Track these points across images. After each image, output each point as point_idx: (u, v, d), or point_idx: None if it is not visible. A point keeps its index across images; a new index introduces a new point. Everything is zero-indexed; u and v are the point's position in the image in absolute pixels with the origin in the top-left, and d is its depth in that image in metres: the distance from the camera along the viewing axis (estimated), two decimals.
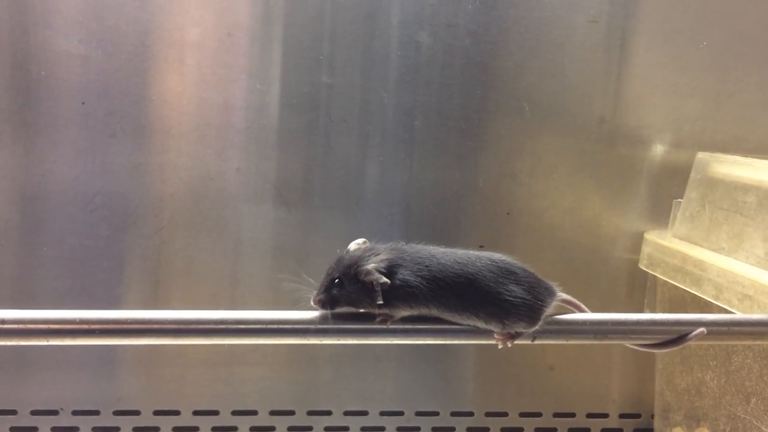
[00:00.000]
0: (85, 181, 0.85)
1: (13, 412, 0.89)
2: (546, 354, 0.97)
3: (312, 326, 0.56)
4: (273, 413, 0.94)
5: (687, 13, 0.92)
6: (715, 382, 0.82)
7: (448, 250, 0.58)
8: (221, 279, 0.90)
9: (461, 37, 0.89)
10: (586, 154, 0.93)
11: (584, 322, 0.59)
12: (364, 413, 0.95)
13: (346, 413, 0.95)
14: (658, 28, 0.92)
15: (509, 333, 0.57)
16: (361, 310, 0.57)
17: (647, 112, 0.93)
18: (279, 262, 0.90)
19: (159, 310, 0.57)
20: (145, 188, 0.87)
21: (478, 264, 0.56)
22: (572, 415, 0.98)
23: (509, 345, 0.58)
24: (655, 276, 0.91)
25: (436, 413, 0.96)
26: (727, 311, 0.75)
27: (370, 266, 0.55)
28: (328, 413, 0.95)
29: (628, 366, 0.98)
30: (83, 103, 0.84)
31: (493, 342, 0.58)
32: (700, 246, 0.85)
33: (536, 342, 0.58)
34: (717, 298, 0.77)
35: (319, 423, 0.94)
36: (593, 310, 0.61)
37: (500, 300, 0.55)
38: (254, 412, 0.93)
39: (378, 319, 0.57)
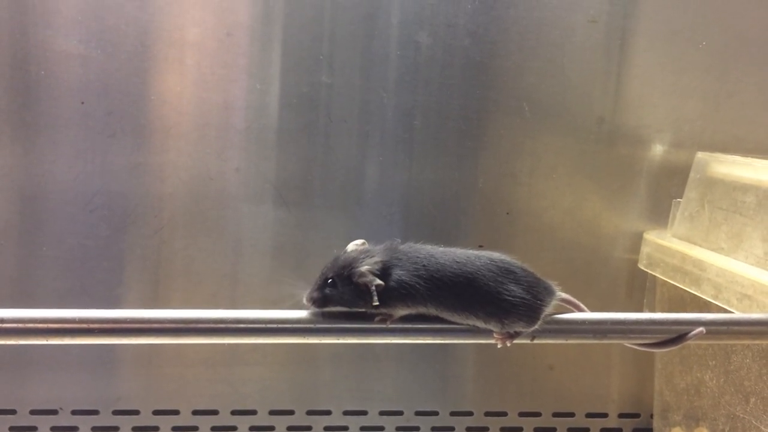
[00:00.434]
0: (85, 181, 0.85)
1: (13, 412, 0.89)
2: (545, 354, 0.97)
3: (311, 326, 0.56)
4: (272, 413, 0.94)
5: (686, 14, 0.92)
6: (715, 381, 0.82)
7: (448, 249, 0.58)
8: (221, 279, 0.90)
9: (461, 37, 0.89)
10: (585, 154, 0.93)
11: (583, 322, 0.59)
12: (364, 413, 0.95)
13: (346, 413, 0.95)
14: (657, 28, 0.92)
15: (508, 332, 0.57)
16: (361, 310, 0.58)
17: (647, 112, 0.93)
18: (279, 262, 0.90)
19: (158, 309, 0.57)
20: (144, 188, 0.87)
21: (477, 263, 0.56)
22: (572, 414, 0.98)
23: (508, 344, 0.58)
24: (654, 276, 0.91)
25: (436, 413, 0.96)
26: (726, 311, 0.75)
27: (364, 268, 0.55)
28: (328, 413, 0.95)
29: (628, 366, 0.98)
30: (83, 103, 0.84)
31: (492, 341, 0.58)
32: (700, 246, 0.85)
33: (535, 341, 0.59)
34: (716, 297, 0.77)
35: (319, 423, 0.94)
36: (593, 310, 0.61)
37: (499, 300, 0.55)
38: (254, 412, 0.93)
39: (377, 318, 0.57)
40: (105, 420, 0.90)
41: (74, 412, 0.90)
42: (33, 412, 0.89)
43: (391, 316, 0.57)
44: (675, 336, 0.59)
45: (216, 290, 0.90)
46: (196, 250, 0.89)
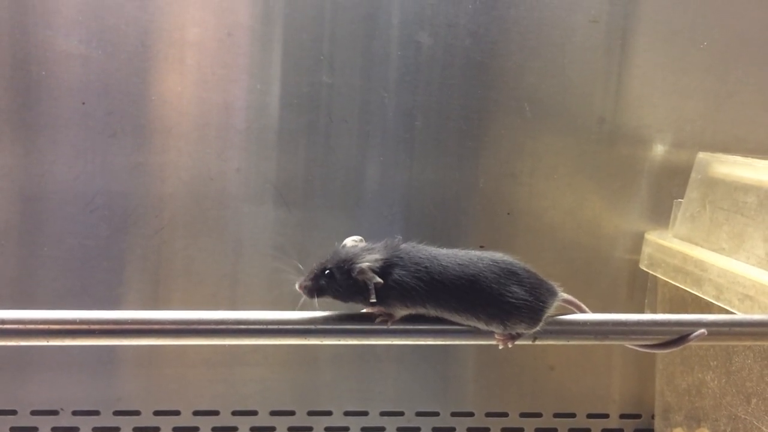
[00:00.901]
0: (85, 181, 0.85)
1: (13, 412, 0.89)
2: (546, 354, 0.97)
3: (313, 327, 0.56)
4: (273, 413, 0.93)
5: (687, 14, 0.92)
6: (716, 382, 0.82)
7: (450, 251, 0.58)
8: (221, 279, 0.90)
9: (462, 37, 0.89)
10: (586, 154, 0.93)
11: (585, 323, 0.59)
12: (365, 413, 0.95)
13: (347, 413, 0.95)
14: (658, 28, 0.92)
15: (510, 334, 0.57)
16: (363, 310, 0.57)
17: (648, 112, 0.93)
18: (279, 263, 0.90)
19: (159, 310, 0.57)
20: (145, 188, 0.87)
21: (480, 265, 0.56)
22: (573, 415, 0.98)
23: (510, 346, 0.58)
24: (655, 276, 0.90)
25: (437, 413, 0.96)
26: (727, 311, 0.75)
27: (365, 265, 0.55)
28: (329, 413, 0.95)
29: (629, 366, 0.98)
30: (83, 103, 0.84)
31: (493, 343, 0.58)
32: (701, 246, 0.85)
33: (537, 342, 0.58)
34: (717, 298, 0.77)
35: (320, 423, 0.94)
36: (593, 311, 0.61)
37: (501, 301, 0.55)
38: (254, 413, 0.93)
39: (378, 319, 0.57)
40: (106, 420, 0.90)
41: (75, 413, 0.90)
42: (34, 413, 0.89)
43: (391, 316, 0.57)
44: (676, 337, 0.59)
45: (216, 290, 0.90)
46: (197, 250, 0.89)
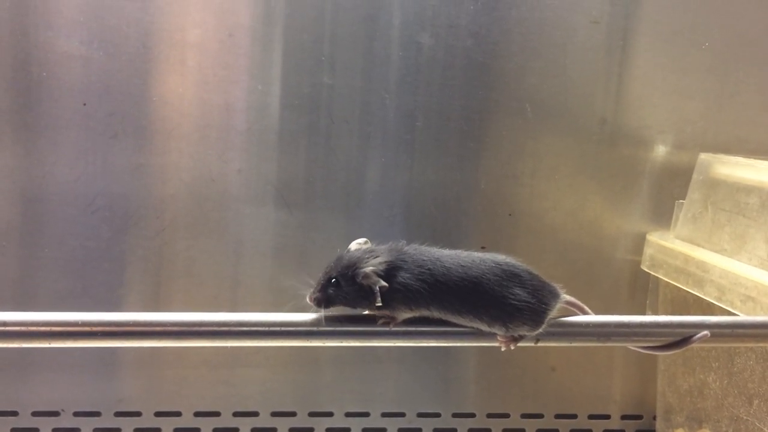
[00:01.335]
0: (86, 183, 0.85)
1: (15, 414, 0.89)
2: (548, 355, 0.97)
3: (314, 328, 0.56)
4: (274, 414, 0.93)
5: (688, 14, 0.92)
6: (718, 383, 0.82)
7: (453, 252, 0.58)
8: (223, 280, 0.89)
9: (463, 38, 0.89)
10: (587, 155, 0.93)
11: (587, 325, 0.59)
12: (366, 414, 0.95)
13: (348, 414, 0.95)
14: (659, 29, 0.92)
15: (512, 336, 0.57)
16: (365, 312, 0.57)
17: (649, 112, 0.93)
18: (280, 264, 0.90)
19: (160, 312, 0.56)
20: (146, 189, 0.86)
21: (483, 267, 0.56)
22: (574, 416, 0.98)
23: (512, 348, 0.58)
24: (657, 277, 0.90)
25: (438, 414, 0.96)
26: (729, 313, 0.75)
27: (369, 269, 0.55)
28: (330, 414, 0.95)
29: (630, 367, 0.98)
30: (84, 104, 0.84)
31: (495, 344, 0.58)
32: (703, 247, 0.85)
33: (539, 344, 0.58)
34: (719, 299, 0.77)
35: (321, 424, 0.94)
36: (595, 312, 0.61)
37: (504, 304, 0.55)
38: (255, 414, 0.93)
39: (380, 321, 0.57)
40: (107, 422, 0.90)
41: (76, 414, 0.90)
42: (35, 414, 0.89)
43: (394, 318, 0.56)
44: (679, 339, 0.59)
45: (217, 292, 0.90)
46: (198, 251, 0.88)
